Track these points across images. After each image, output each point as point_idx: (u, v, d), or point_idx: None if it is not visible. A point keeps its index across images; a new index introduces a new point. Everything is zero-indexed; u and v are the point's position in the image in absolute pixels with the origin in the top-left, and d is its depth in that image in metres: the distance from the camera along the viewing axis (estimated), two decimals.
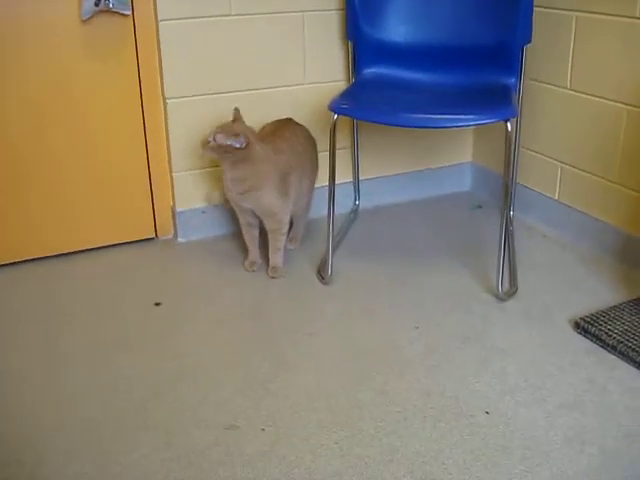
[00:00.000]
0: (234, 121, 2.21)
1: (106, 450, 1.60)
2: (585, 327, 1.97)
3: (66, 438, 1.64)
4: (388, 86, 2.38)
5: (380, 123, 2.14)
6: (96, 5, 2.18)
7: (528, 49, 2.36)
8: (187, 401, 1.75)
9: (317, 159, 2.48)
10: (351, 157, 2.75)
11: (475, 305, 2.15)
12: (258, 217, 2.29)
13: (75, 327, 2.08)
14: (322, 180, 2.49)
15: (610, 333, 1.92)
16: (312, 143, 2.45)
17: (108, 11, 2.23)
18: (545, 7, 2.44)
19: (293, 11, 2.47)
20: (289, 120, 2.43)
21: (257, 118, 2.37)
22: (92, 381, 1.84)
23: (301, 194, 2.38)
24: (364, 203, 2.82)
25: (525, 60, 2.36)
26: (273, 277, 2.32)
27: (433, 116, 2.05)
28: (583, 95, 2.40)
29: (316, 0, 2.49)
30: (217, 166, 2.43)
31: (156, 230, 2.60)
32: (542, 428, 1.64)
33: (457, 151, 2.96)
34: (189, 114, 2.45)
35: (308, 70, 2.57)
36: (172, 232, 2.62)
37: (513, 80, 2.31)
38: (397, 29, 2.44)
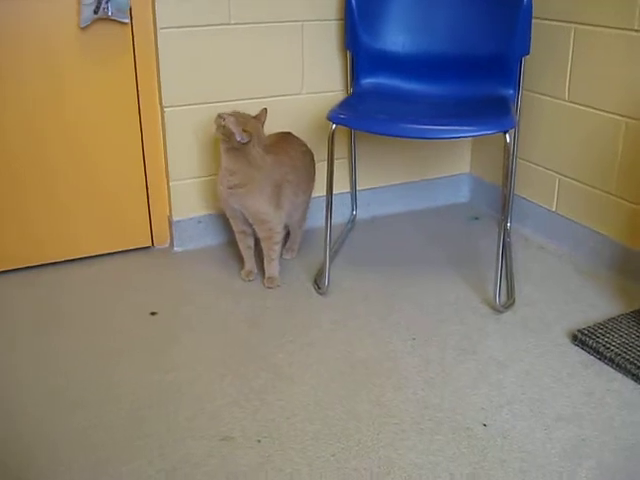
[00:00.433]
0: (255, 117, 2.22)
1: (100, 460, 1.58)
2: (583, 339, 1.96)
3: (60, 447, 1.62)
4: (386, 96, 2.38)
5: (378, 134, 2.13)
6: (95, 13, 2.18)
7: (526, 60, 2.36)
8: (182, 412, 1.74)
9: (314, 173, 2.48)
10: (348, 167, 2.75)
11: (472, 316, 2.14)
12: (251, 225, 2.28)
13: (70, 336, 2.07)
14: (319, 190, 2.49)
15: (608, 345, 1.91)
16: (310, 157, 2.45)
17: (107, 19, 2.23)
18: (543, 19, 2.45)
19: (292, 21, 2.47)
20: (289, 134, 2.43)
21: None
22: (87, 390, 1.83)
23: (297, 207, 2.38)
24: (361, 213, 2.82)
25: (523, 71, 2.37)
26: (269, 287, 2.31)
27: (432, 127, 2.04)
28: (581, 107, 2.40)
29: (315, 10, 2.49)
30: (214, 175, 2.42)
31: (152, 239, 2.59)
32: (540, 441, 1.63)
33: (455, 162, 2.96)
34: (186, 123, 2.44)
35: (307, 80, 2.56)
36: (168, 241, 2.61)
37: (511, 91, 2.32)
38: (396, 39, 2.44)
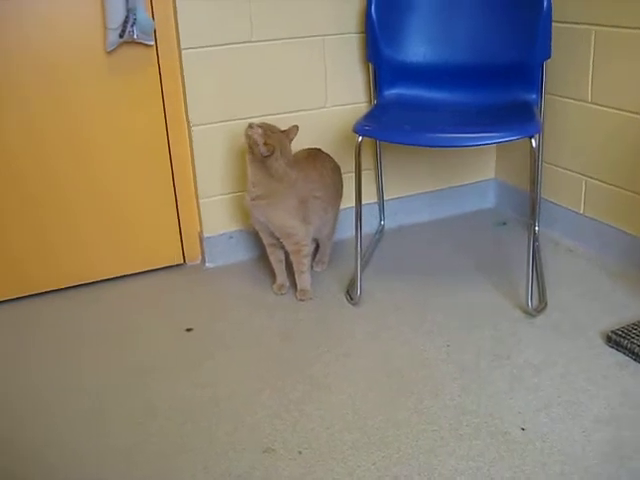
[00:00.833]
0: (283, 131, 2.24)
1: (146, 477, 1.61)
2: (617, 340, 1.96)
3: (102, 467, 1.65)
4: (410, 107, 2.39)
5: (405, 144, 2.15)
6: (120, 37, 2.22)
7: (548, 64, 2.37)
8: (222, 425, 1.76)
9: (342, 188, 2.50)
10: (375, 178, 2.77)
11: (505, 322, 2.15)
12: (279, 238, 2.31)
13: (108, 354, 2.10)
14: (346, 202, 2.51)
15: None
16: (338, 173, 2.48)
17: (132, 42, 2.27)
18: (564, 22, 2.45)
19: (313, 35, 2.50)
20: (318, 150, 2.45)
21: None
22: (126, 408, 1.85)
23: (326, 222, 2.40)
24: (389, 223, 2.83)
25: (545, 75, 2.37)
26: (302, 300, 2.34)
27: (458, 135, 2.06)
28: (604, 108, 2.41)
29: (336, 24, 2.52)
30: (243, 190, 2.45)
31: (184, 256, 2.63)
32: (579, 443, 1.63)
33: (480, 168, 2.97)
34: (214, 140, 2.47)
35: (330, 93, 2.59)
36: (200, 258, 2.64)
37: (534, 96, 2.33)
38: (417, 50, 2.46)
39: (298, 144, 2.39)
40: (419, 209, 2.89)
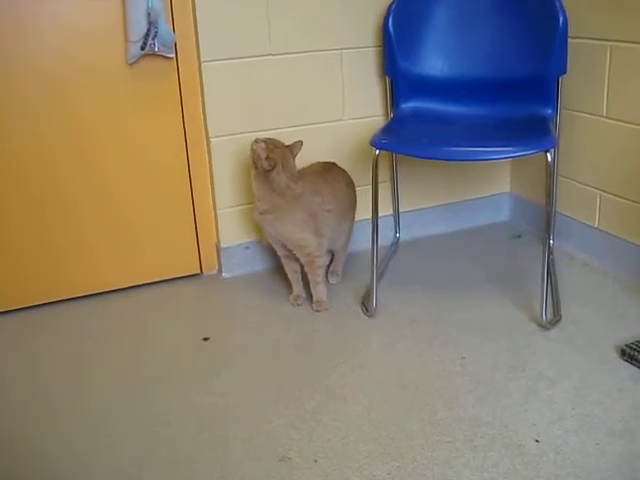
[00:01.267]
0: (287, 146, 2.27)
1: None
2: (631, 354, 1.97)
3: (112, 475, 1.67)
4: (427, 120, 2.42)
5: (422, 158, 2.17)
6: (142, 49, 2.25)
7: (564, 79, 2.38)
8: (239, 434, 1.78)
9: (356, 201, 2.52)
10: (391, 190, 2.78)
11: (519, 334, 2.16)
12: (291, 250, 2.33)
13: (124, 362, 2.12)
14: (361, 214, 2.53)
15: None
16: (352, 187, 2.49)
17: (153, 54, 2.30)
18: (579, 37, 2.47)
19: (331, 49, 2.53)
20: (333, 165, 2.47)
21: (298, 154, 2.41)
22: (141, 416, 1.87)
23: (340, 234, 2.43)
24: (404, 235, 2.85)
25: (561, 90, 2.39)
26: (317, 311, 2.35)
27: (474, 149, 2.07)
28: (620, 122, 2.42)
29: (354, 38, 2.55)
30: None
31: (201, 266, 2.65)
32: (592, 456, 1.64)
33: (495, 182, 2.99)
34: (232, 152, 2.50)
35: (347, 106, 2.62)
36: (217, 268, 2.67)
37: (550, 111, 2.34)
38: (434, 63, 2.48)
39: (315, 156, 2.42)
40: (434, 222, 2.91)
